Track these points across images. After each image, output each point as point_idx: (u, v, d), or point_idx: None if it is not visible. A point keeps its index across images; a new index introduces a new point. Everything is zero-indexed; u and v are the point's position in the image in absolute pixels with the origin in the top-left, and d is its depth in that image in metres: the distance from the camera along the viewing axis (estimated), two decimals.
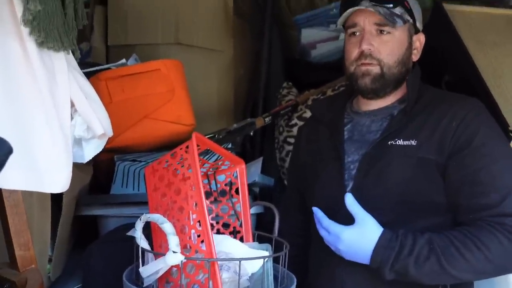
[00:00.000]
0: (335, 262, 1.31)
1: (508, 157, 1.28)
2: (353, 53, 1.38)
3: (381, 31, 1.36)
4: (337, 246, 1.26)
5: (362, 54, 1.36)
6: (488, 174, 1.25)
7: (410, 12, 1.40)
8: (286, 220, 1.51)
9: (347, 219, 1.29)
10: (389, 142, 1.34)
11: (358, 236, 1.24)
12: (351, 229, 1.25)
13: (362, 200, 1.30)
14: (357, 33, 1.38)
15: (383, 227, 1.26)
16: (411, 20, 1.40)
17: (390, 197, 1.30)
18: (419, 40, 1.44)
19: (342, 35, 2.35)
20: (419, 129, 1.33)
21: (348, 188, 1.35)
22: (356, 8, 1.35)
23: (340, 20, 1.42)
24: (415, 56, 1.44)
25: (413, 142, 1.31)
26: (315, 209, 1.31)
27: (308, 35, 2.35)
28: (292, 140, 2.03)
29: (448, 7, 1.88)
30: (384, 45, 1.36)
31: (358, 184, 1.34)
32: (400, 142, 1.33)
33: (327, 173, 1.41)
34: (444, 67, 1.82)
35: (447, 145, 1.28)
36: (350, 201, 1.26)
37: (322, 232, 1.30)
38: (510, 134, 1.52)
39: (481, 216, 1.23)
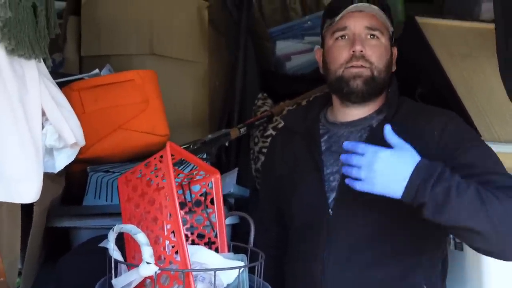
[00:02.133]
0: (317, 270, 1.31)
1: (492, 154, 1.29)
2: (342, 55, 1.37)
3: (372, 35, 1.37)
4: (373, 166, 1.15)
5: (353, 56, 1.35)
6: (482, 167, 1.22)
7: (392, 22, 1.42)
8: (261, 232, 1.49)
9: (331, 230, 1.30)
10: None
11: (398, 157, 1.16)
12: (390, 150, 1.17)
13: (345, 213, 1.30)
14: (346, 37, 1.38)
15: (366, 240, 1.26)
16: (392, 30, 1.42)
17: (373, 210, 1.29)
18: (394, 52, 1.46)
19: (316, 47, 2.37)
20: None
21: (330, 200, 1.34)
22: (353, 6, 1.35)
23: (328, 24, 1.41)
24: (394, 67, 1.45)
25: None
26: (345, 143, 1.22)
27: (282, 47, 2.36)
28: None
29: (420, 20, 1.91)
30: (374, 48, 1.36)
31: (340, 196, 1.33)
32: None
33: (307, 184, 1.40)
34: (418, 79, 1.85)
35: (433, 155, 1.25)
36: (388, 131, 1.20)
37: (351, 159, 1.19)
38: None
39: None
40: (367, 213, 1.30)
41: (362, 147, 1.19)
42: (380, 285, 1.30)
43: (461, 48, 1.90)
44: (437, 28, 1.91)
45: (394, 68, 1.45)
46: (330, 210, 1.34)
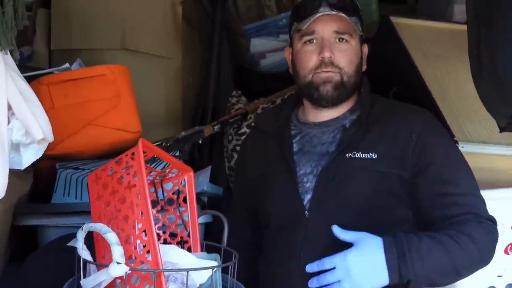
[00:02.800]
0: (293, 272, 1.29)
1: (464, 162, 1.33)
2: (311, 61, 1.35)
3: (340, 39, 1.36)
4: (350, 273, 1.15)
5: (322, 62, 1.34)
6: (455, 185, 1.27)
7: (361, 22, 1.41)
8: (234, 233, 1.45)
9: (308, 231, 1.29)
10: (347, 155, 1.31)
11: (364, 250, 1.17)
12: (354, 249, 1.18)
13: (321, 214, 1.29)
14: (314, 41, 1.36)
15: (342, 241, 1.22)
16: (361, 30, 1.41)
17: (349, 212, 1.28)
18: (364, 51, 1.44)
19: (286, 47, 2.36)
20: (378, 141, 1.31)
21: (305, 201, 1.32)
22: (320, 14, 1.33)
23: (295, 28, 1.39)
24: (364, 66, 1.44)
25: (373, 155, 1.30)
26: (308, 267, 1.22)
27: (257, 44, 2.35)
28: None
29: (395, 20, 1.92)
30: (343, 53, 1.35)
31: (317, 197, 1.32)
32: (359, 155, 1.31)
33: (279, 186, 1.38)
34: (392, 78, 1.85)
35: (409, 158, 1.29)
36: (338, 231, 1.21)
37: (326, 278, 1.18)
38: (456, 145, 1.55)
39: (460, 219, 1.24)
40: (344, 214, 1.28)
41: (328, 262, 1.18)
42: None
43: (434, 48, 1.91)
44: (411, 28, 1.92)
45: (364, 68, 1.44)
46: (306, 211, 1.32)
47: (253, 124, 2.04)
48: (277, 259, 1.35)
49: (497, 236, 1.26)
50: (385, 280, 1.16)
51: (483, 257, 1.23)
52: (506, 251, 1.53)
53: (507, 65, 1.20)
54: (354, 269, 1.15)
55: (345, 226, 1.24)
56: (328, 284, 1.17)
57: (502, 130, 1.34)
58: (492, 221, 1.27)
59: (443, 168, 1.28)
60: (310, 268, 1.21)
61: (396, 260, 1.16)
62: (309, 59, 1.36)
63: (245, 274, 1.41)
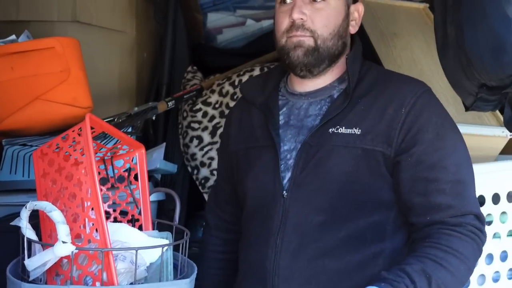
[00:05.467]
0: (269, 257, 1.19)
1: (462, 148, 1.19)
2: (284, 23, 1.23)
3: None
4: None
5: (293, 25, 1.21)
6: (443, 170, 1.15)
7: None
8: (218, 215, 1.41)
9: (285, 214, 1.19)
10: (330, 130, 1.19)
11: None
12: None
13: (299, 195, 1.19)
14: (288, 1, 1.23)
15: (321, 226, 1.16)
16: None
17: (329, 192, 1.17)
18: (358, 11, 1.29)
19: (249, 21, 2.33)
20: (364, 115, 1.19)
21: (285, 180, 1.21)
22: None
23: None
24: (353, 28, 1.29)
25: (357, 131, 1.18)
26: None
27: (214, 19, 2.30)
28: (196, 126, 1.98)
29: None
30: (317, 14, 1.21)
31: (295, 176, 1.20)
32: (343, 130, 1.19)
33: (261, 162, 1.26)
34: None
35: (396, 136, 1.16)
36: None
37: None
38: (456, 128, 1.51)
39: (440, 218, 1.15)
40: (323, 195, 1.18)
41: None
42: (336, 275, 1.17)
43: (391, 27, 1.92)
44: (368, 6, 1.91)
45: (354, 30, 1.29)
46: (284, 191, 1.20)
47: (208, 100, 2.01)
48: (252, 244, 1.25)
49: (483, 241, 1.17)
50: None
51: (470, 273, 1.16)
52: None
53: (474, 42, 1.18)
54: None
55: (324, 210, 1.16)
56: None
57: (467, 109, 1.31)
58: (479, 220, 1.16)
59: (431, 149, 1.16)
60: None
61: None
62: (282, 21, 1.24)
63: (223, 256, 1.38)
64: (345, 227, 1.17)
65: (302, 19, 1.21)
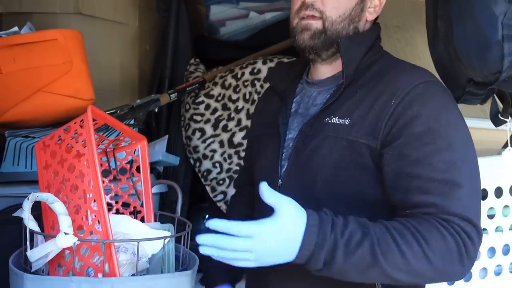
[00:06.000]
0: None
1: (461, 147, 1.07)
2: (296, 4, 1.18)
3: None
4: (257, 250, 0.95)
5: (303, 4, 1.16)
6: (428, 167, 1.03)
7: None
8: (242, 193, 1.42)
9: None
10: (326, 119, 1.13)
11: (280, 226, 0.96)
12: (270, 224, 0.97)
13: (291, 185, 1.14)
14: None
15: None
16: None
17: (316, 184, 1.12)
18: None
19: (252, 13, 2.32)
20: (356, 105, 1.11)
21: (283, 169, 1.17)
22: None
23: None
24: (370, 15, 1.20)
25: (347, 121, 1.11)
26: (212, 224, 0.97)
27: (217, 12, 2.30)
28: (198, 118, 1.98)
29: None
30: (338, 1, 1.16)
31: (290, 166, 1.16)
32: (335, 120, 1.12)
33: (267, 150, 1.23)
34: None
35: (382, 127, 1.07)
36: (264, 191, 0.97)
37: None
38: (460, 124, 1.51)
39: (422, 212, 1.02)
40: (311, 187, 1.13)
41: (245, 229, 0.96)
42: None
43: (394, 20, 1.91)
44: None
45: (371, 17, 1.21)
46: (279, 180, 1.17)
47: (211, 92, 2.01)
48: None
49: (470, 252, 1.00)
50: (291, 258, 0.98)
51: (430, 271, 0.99)
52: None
53: (462, 38, 1.19)
54: (267, 244, 0.96)
55: (312, 201, 1.07)
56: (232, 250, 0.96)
57: (457, 101, 1.33)
58: (473, 227, 1.01)
59: (418, 143, 1.05)
60: (214, 224, 0.96)
61: (313, 248, 0.97)
62: (295, 2, 1.19)
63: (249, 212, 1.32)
64: None
65: (314, 1, 1.16)
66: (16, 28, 1.67)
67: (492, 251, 1.51)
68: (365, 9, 1.19)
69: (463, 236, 1.00)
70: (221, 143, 1.96)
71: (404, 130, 1.06)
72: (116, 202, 1.24)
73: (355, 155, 1.09)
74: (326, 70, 1.22)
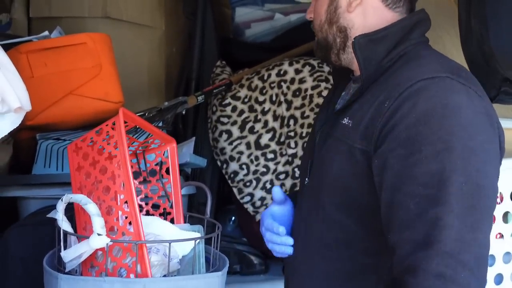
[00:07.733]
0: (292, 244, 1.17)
1: (458, 160, 0.88)
2: None
3: None
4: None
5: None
6: (410, 180, 0.89)
7: None
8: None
9: (302, 202, 1.14)
10: (340, 119, 1.07)
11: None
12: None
13: (312, 186, 1.11)
14: None
15: (322, 221, 1.07)
16: None
17: (321, 188, 1.07)
18: None
19: (277, 15, 2.32)
20: (361, 106, 1.02)
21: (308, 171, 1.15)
22: None
23: None
24: (351, 7, 1.07)
25: (350, 123, 1.03)
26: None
27: (242, 14, 2.30)
28: (225, 120, 1.99)
29: None
30: (314, 6, 1.14)
31: (313, 167, 1.13)
32: (345, 121, 1.05)
33: (308, 147, 1.22)
34: None
35: (375, 132, 0.96)
36: (276, 193, 1.10)
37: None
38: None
39: (394, 244, 0.91)
40: (319, 192, 1.08)
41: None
42: (326, 278, 1.09)
43: None
44: None
45: (351, 8, 1.08)
46: (307, 178, 1.14)
47: (237, 94, 2.02)
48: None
49: None
50: None
51: None
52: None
53: (499, 37, 1.17)
54: None
55: (320, 204, 1.07)
56: None
57: (492, 101, 1.31)
58: (463, 268, 0.85)
59: (402, 151, 0.91)
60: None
61: None
62: None
63: None
64: (334, 229, 1.05)
65: (310, 17, 1.16)
66: (46, 33, 1.70)
67: (508, 256, 1.47)
68: (338, 6, 1.08)
69: None
70: (248, 145, 1.96)
71: (389, 135, 0.93)
72: (146, 204, 1.26)
73: (351, 159, 1.01)
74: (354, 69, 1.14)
